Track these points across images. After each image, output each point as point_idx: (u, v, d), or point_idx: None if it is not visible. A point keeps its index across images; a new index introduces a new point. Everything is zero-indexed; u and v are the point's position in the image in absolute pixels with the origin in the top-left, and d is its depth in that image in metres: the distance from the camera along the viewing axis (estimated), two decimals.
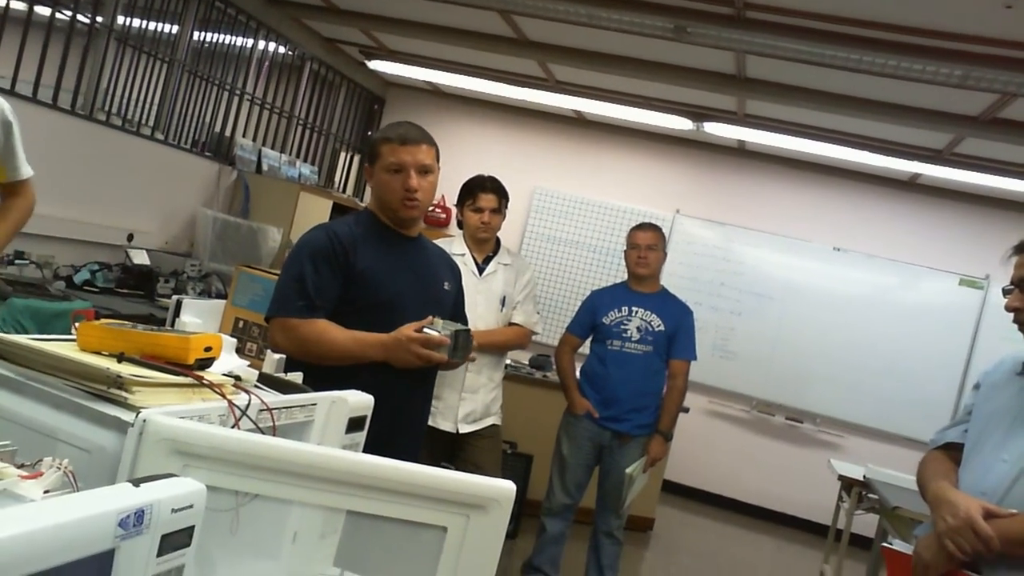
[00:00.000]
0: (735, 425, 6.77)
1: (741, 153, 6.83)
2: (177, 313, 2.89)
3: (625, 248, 4.03)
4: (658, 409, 3.92)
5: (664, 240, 4.04)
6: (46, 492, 0.95)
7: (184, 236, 5.29)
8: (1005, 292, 1.95)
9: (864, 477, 4.52)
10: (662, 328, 3.89)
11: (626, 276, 4.06)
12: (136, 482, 0.90)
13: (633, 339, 3.89)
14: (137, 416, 1.07)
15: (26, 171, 2.77)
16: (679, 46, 4.48)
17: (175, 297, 2.98)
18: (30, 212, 2.86)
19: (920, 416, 6.04)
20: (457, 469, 3.48)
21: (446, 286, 2.53)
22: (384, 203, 2.39)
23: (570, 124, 7.10)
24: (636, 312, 3.91)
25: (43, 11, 4.10)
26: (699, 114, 6.01)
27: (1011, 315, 1.94)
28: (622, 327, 3.90)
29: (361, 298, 2.32)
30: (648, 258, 3.92)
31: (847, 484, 4.75)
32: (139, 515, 0.86)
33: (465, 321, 2.67)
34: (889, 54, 3.94)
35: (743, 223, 6.71)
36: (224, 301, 3.15)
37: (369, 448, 1.56)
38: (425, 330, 2.23)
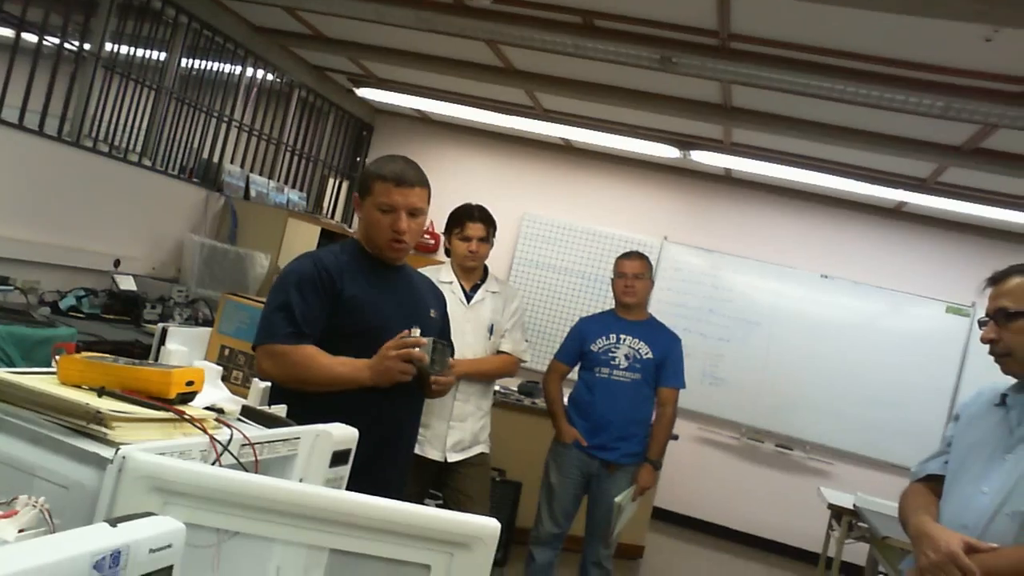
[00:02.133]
0: (725, 452, 6.75)
1: (728, 181, 6.87)
2: (162, 341, 2.87)
3: (612, 277, 4.03)
4: (647, 437, 3.90)
5: (651, 268, 4.04)
6: (21, 531, 0.93)
7: (171, 262, 5.26)
8: (981, 324, 1.96)
9: (854, 506, 4.51)
10: (650, 356, 3.89)
11: (614, 303, 4.07)
12: (113, 522, 0.89)
13: (621, 367, 3.88)
14: (116, 452, 1.06)
15: None
16: (665, 76, 4.51)
17: (160, 325, 2.96)
18: None
19: (909, 443, 6.04)
20: (445, 497, 3.49)
21: (432, 313, 2.54)
22: (370, 239, 2.40)
23: (558, 152, 7.13)
24: (624, 340, 3.91)
25: (30, 38, 4.10)
26: (686, 142, 6.04)
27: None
28: (610, 355, 3.90)
29: (348, 326, 2.32)
30: (635, 287, 3.92)
31: (837, 513, 4.74)
32: (115, 556, 0.84)
33: (451, 348, 2.66)
34: (872, 85, 3.98)
35: (731, 250, 6.74)
36: (210, 329, 3.13)
37: (356, 477, 1.54)
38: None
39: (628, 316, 3.97)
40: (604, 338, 3.93)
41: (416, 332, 2.26)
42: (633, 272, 3.93)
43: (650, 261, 4.05)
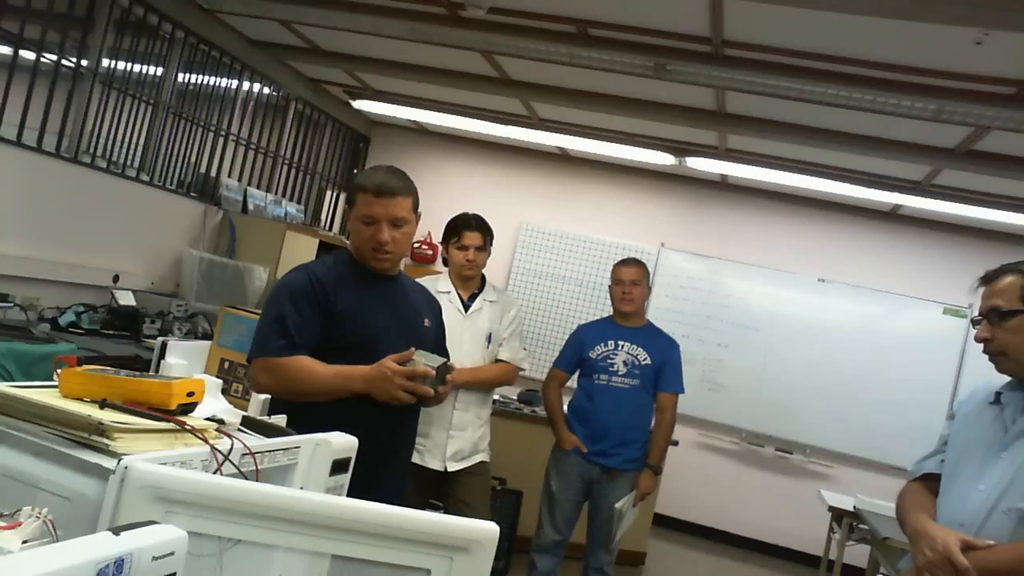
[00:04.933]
0: (725, 457, 6.75)
1: (724, 187, 6.89)
2: (162, 355, 2.88)
3: (610, 283, 4.05)
4: (646, 443, 3.92)
5: (648, 275, 4.06)
6: (25, 542, 0.95)
7: (170, 277, 5.28)
8: (974, 323, 1.97)
9: (854, 508, 4.52)
10: (648, 362, 3.90)
11: (612, 311, 4.08)
12: (116, 530, 0.90)
13: (620, 373, 3.89)
14: (119, 463, 1.07)
15: None
16: (659, 83, 4.54)
17: (160, 339, 2.98)
18: None
19: (909, 445, 6.02)
20: (446, 507, 3.49)
21: (426, 323, 2.55)
22: (357, 250, 2.43)
23: (554, 160, 7.15)
24: (622, 346, 3.92)
25: (28, 55, 4.12)
26: (681, 149, 6.07)
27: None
28: (608, 361, 3.91)
29: (342, 336, 2.34)
30: (632, 293, 3.94)
31: (838, 515, 4.74)
32: (119, 564, 0.86)
33: (446, 356, 2.67)
34: (865, 89, 4.00)
35: (728, 256, 6.76)
36: (209, 342, 3.14)
37: (354, 486, 1.55)
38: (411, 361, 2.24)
39: (626, 323, 3.99)
40: (602, 345, 3.94)
41: (421, 354, 2.26)
42: (630, 279, 3.94)
43: (647, 268, 4.07)
